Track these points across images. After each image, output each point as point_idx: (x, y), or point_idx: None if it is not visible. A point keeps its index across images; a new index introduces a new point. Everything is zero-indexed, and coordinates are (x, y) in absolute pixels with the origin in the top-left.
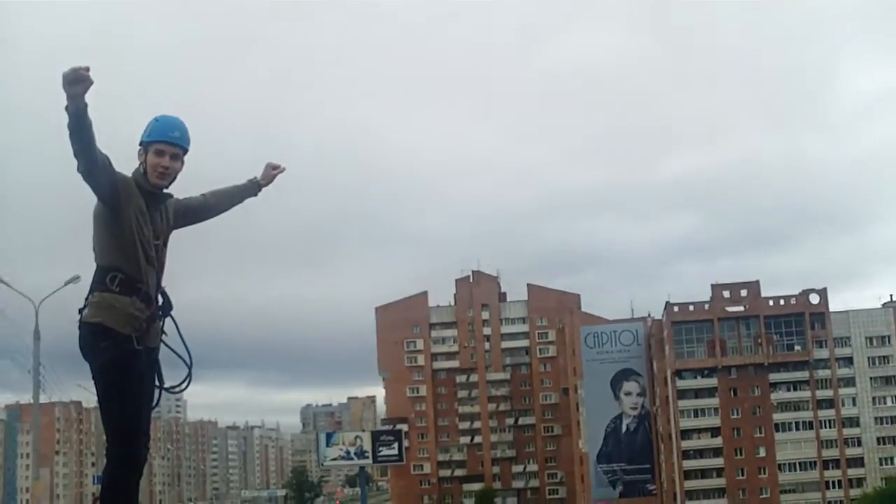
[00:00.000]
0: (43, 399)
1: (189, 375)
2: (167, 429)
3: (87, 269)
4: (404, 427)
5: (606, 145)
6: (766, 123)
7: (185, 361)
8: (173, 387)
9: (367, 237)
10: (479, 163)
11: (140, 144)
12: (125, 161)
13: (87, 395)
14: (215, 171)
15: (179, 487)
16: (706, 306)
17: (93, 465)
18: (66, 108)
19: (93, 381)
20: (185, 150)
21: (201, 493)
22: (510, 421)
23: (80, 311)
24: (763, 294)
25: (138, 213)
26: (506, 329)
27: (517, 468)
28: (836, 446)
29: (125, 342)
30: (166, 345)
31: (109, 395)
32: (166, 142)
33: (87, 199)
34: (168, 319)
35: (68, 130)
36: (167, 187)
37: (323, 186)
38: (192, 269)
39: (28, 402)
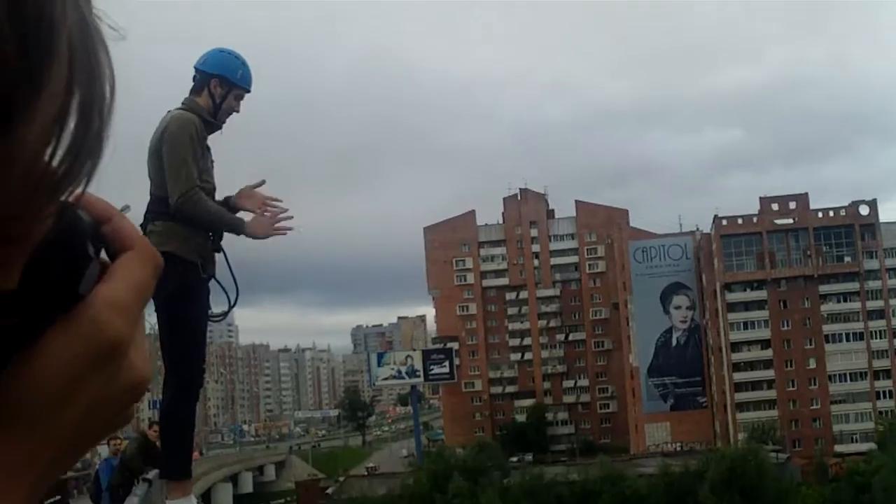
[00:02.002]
0: None
1: (231, 306)
2: (220, 353)
3: (134, 199)
4: (455, 345)
5: (650, 59)
6: (811, 32)
7: (227, 296)
8: (216, 315)
9: (412, 157)
10: (523, 78)
11: (216, 77)
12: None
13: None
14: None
15: (233, 410)
16: (755, 219)
17: (148, 390)
18: (230, 228)
19: (156, 311)
20: None
21: (255, 415)
22: (560, 337)
23: None
24: (812, 206)
25: (205, 148)
26: (554, 246)
27: (568, 383)
28: (888, 357)
29: (193, 270)
30: (213, 277)
31: (176, 324)
32: (246, 89)
33: (131, 129)
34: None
35: (206, 224)
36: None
37: (365, 106)
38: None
39: None
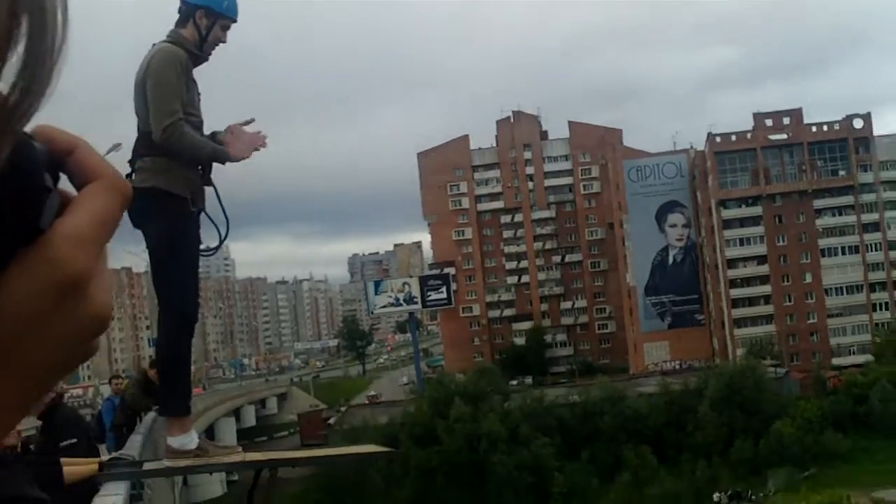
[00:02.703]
0: None
1: (222, 240)
2: (217, 288)
3: (124, 136)
4: (452, 271)
5: None
6: None
7: (218, 230)
8: (207, 249)
9: (404, 84)
10: (504, 0)
11: (201, 8)
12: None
13: (136, 261)
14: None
15: (233, 344)
16: (749, 135)
17: (147, 328)
18: (214, 157)
19: (146, 247)
20: None
21: (255, 348)
22: (557, 259)
23: (128, 176)
24: (806, 121)
25: (191, 81)
26: (549, 167)
27: (566, 305)
28: (883, 269)
29: (182, 205)
30: (203, 211)
31: (167, 259)
32: (232, 19)
33: (120, 70)
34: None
35: (192, 156)
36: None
37: (356, 34)
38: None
39: None
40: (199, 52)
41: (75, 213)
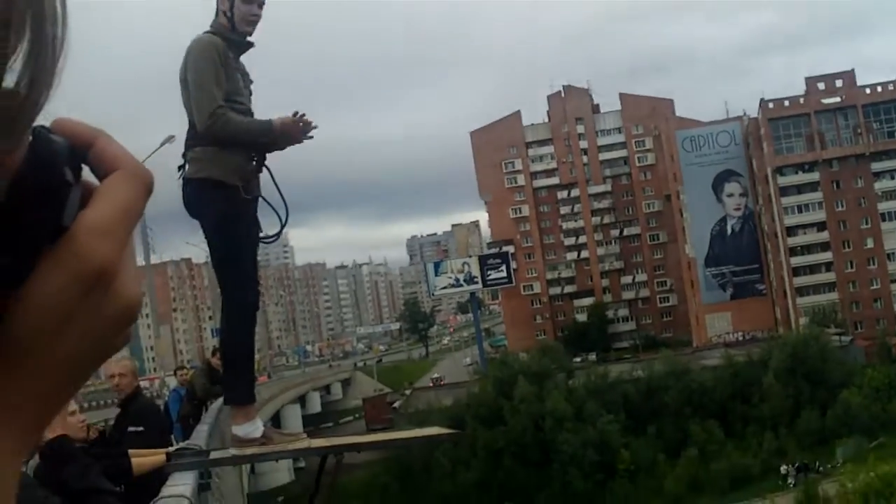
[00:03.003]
0: (154, 259)
1: (283, 226)
2: (277, 275)
3: (178, 128)
4: (510, 249)
5: None
6: None
7: (278, 215)
8: (268, 237)
9: (453, 63)
10: None
11: None
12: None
13: (197, 252)
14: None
15: (295, 331)
16: (801, 100)
17: (210, 318)
18: (262, 134)
19: (204, 237)
20: None
21: (318, 334)
22: (615, 233)
23: (181, 167)
24: (859, 83)
25: (233, 68)
26: (602, 141)
27: (626, 279)
28: None
29: (234, 194)
30: (262, 197)
31: (224, 249)
32: None
33: (170, 62)
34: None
35: (241, 141)
36: (251, 34)
37: (405, 16)
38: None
39: (140, 264)
40: (231, 34)
41: (97, 204)
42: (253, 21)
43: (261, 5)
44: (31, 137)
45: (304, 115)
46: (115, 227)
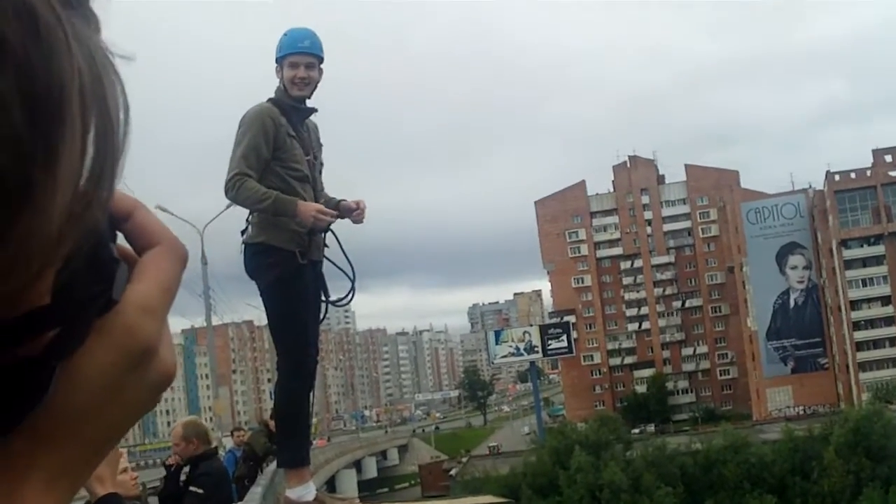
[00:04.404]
0: (216, 321)
1: (353, 288)
2: (338, 340)
3: None
4: (572, 318)
5: (736, 17)
6: None
7: (347, 275)
8: (339, 300)
9: (518, 132)
10: (622, 46)
11: (276, 62)
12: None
13: (258, 314)
14: (347, 70)
15: (354, 396)
16: (868, 173)
17: (269, 380)
18: (281, 212)
19: (261, 300)
20: (320, 59)
21: (376, 399)
22: (677, 304)
23: (243, 232)
24: None
25: (286, 135)
26: (666, 212)
27: (687, 351)
28: None
29: (290, 259)
30: (328, 259)
31: (278, 312)
32: (298, 52)
33: (235, 125)
34: (329, 234)
35: (252, 209)
36: (309, 97)
37: (469, 84)
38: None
39: (202, 325)
40: (286, 98)
41: (143, 281)
42: (301, 84)
43: (309, 66)
44: None
45: (347, 203)
46: (159, 304)
